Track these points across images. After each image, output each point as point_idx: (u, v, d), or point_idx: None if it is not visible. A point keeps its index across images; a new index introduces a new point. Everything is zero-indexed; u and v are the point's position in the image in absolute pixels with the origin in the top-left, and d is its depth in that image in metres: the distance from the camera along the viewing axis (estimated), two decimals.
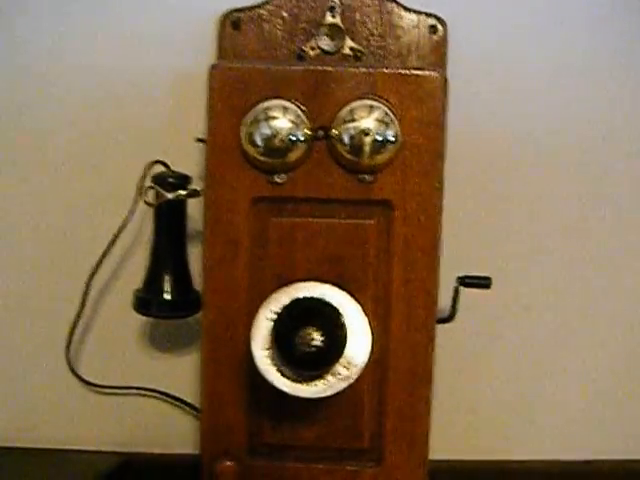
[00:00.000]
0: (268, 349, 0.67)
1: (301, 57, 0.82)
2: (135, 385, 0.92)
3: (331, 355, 0.65)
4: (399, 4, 0.83)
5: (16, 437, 0.93)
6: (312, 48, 0.82)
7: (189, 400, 0.91)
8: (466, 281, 0.81)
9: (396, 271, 0.74)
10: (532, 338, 0.93)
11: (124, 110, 0.88)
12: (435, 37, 0.84)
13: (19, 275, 0.93)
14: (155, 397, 0.93)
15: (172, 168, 0.82)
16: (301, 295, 0.66)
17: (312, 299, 0.66)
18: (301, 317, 0.65)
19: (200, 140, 0.77)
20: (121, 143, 0.89)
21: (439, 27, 0.84)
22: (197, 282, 0.81)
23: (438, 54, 0.84)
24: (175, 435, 0.95)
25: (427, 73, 0.71)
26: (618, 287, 0.93)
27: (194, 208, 0.81)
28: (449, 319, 0.81)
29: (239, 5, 0.84)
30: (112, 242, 0.83)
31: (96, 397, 0.94)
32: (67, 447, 0.93)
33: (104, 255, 0.84)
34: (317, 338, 0.64)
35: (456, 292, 0.81)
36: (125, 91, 0.89)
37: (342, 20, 0.83)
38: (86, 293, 0.86)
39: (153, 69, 0.88)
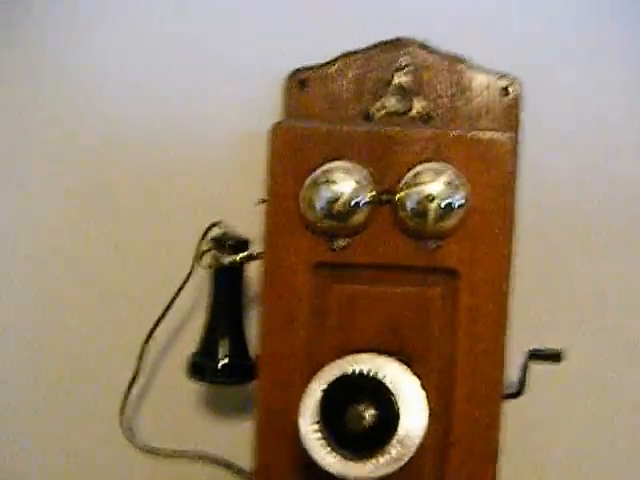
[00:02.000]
0: (317, 424, 0.63)
1: (368, 118, 0.79)
2: (189, 450, 0.88)
3: (382, 434, 0.61)
4: (470, 65, 0.80)
5: None
6: (379, 109, 0.79)
7: (243, 467, 0.86)
8: (536, 355, 0.76)
9: (461, 343, 0.70)
10: (604, 415, 0.87)
11: (187, 171, 0.87)
12: (507, 99, 0.80)
13: (74, 337, 0.92)
14: (209, 463, 0.89)
15: (232, 230, 0.79)
16: (353, 369, 0.61)
17: (362, 374, 0.61)
18: (352, 392, 0.61)
19: (263, 201, 0.74)
20: (182, 204, 0.88)
21: (511, 88, 0.80)
22: (254, 348, 0.77)
23: (510, 116, 0.80)
24: None
25: (495, 136, 0.68)
26: None
27: (255, 270, 0.77)
28: (517, 394, 0.76)
29: (306, 64, 0.80)
30: (169, 305, 0.81)
31: (150, 461, 0.91)
32: None
33: (160, 318, 0.82)
34: (367, 415, 0.60)
35: (525, 366, 0.76)
36: (188, 152, 0.87)
37: (411, 81, 0.80)
38: (141, 357, 0.84)
39: (216, 129, 0.86)
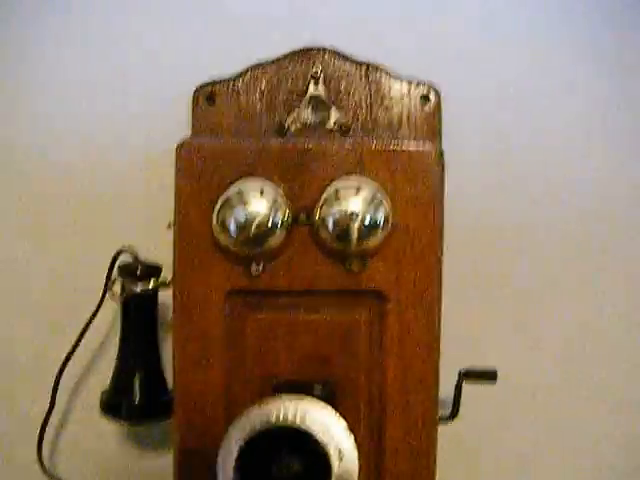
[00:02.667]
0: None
1: (282, 131, 0.74)
2: None
3: None
4: (387, 73, 0.75)
5: None
6: (294, 121, 0.75)
7: None
8: (470, 375, 0.72)
9: (391, 370, 0.66)
10: (539, 433, 0.83)
11: (91, 193, 0.81)
12: (427, 107, 0.76)
13: None
14: None
15: (143, 257, 0.73)
16: (273, 419, 0.55)
17: (285, 425, 0.55)
18: (275, 447, 0.55)
19: (173, 225, 0.68)
20: (87, 230, 0.82)
21: (431, 96, 0.76)
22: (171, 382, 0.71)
23: (431, 125, 0.76)
24: None
25: (420, 148, 0.64)
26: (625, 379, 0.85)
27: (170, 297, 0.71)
28: (451, 417, 0.74)
29: (214, 77, 0.75)
30: (80, 337, 0.76)
31: None
32: None
33: (71, 352, 0.77)
34: (295, 470, 0.54)
35: (459, 388, 0.72)
36: (92, 172, 0.81)
37: (326, 91, 0.75)
38: (55, 390, 0.78)
39: (121, 148, 0.80)
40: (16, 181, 0.84)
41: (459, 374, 0.73)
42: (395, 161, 0.65)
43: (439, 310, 0.66)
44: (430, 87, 0.76)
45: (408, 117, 0.76)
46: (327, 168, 0.64)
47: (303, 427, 0.53)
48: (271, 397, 0.56)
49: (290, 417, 0.53)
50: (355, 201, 0.63)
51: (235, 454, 0.53)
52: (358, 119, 0.76)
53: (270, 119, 0.76)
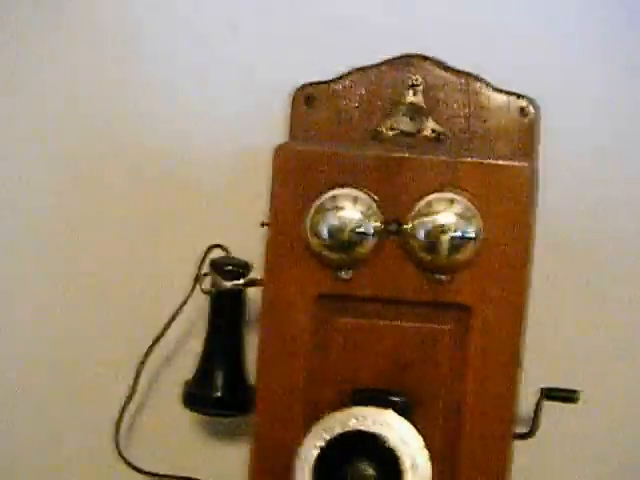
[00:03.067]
0: None
1: (377, 137, 0.74)
2: (184, 475, 0.83)
3: None
4: (488, 84, 0.75)
5: None
6: (390, 128, 0.75)
7: None
8: (551, 394, 0.71)
9: (470, 384, 0.66)
10: (621, 459, 0.82)
11: (187, 190, 0.82)
12: (525, 120, 0.75)
13: (69, 353, 0.87)
14: None
15: (233, 254, 0.74)
16: (352, 426, 0.56)
17: (364, 433, 0.56)
18: (352, 453, 0.55)
19: (265, 224, 0.69)
20: (182, 225, 0.83)
21: (530, 109, 0.75)
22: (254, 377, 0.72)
23: (528, 139, 0.75)
24: None
25: (514, 164, 0.64)
26: None
27: (258, 294, 0.72)
28: (529, 434, 0.71)
29: (313, 79, 0.75)
30: (165, 328, 0.77)
31: None
32: None
33: (157, 340, 0.78)
34: (369, 475, 0.55)
35: (538, 406, 0.71)
36: (188, 170, 0.82)
37: (424, 99, 0.75)
38: (137, 377, 0.79)
39: (219, 146, 0.81)
40: (119, 172, 0.85)
41: (540, 391, 0.72)
42: (489, 175, 0.65)
43: (524, 327, 0.66)
44: (530, 100, 0.76)
45: (505, 130, 0.75)
46: (421, 179, 0.65)
47: (382, 434, 0.53)
48: (352, 406, 0.56)
49: (370, 424, 0.54)
50: (448, 214, 0.63)
51: (314, 455, 0.55)
52: (454, 129, 0.76)
53: (366, 124, 0.76)
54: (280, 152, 0.65)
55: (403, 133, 0.76)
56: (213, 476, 0.84)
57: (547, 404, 0.72)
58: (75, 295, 0.87)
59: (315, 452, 0.56)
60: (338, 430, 0.56)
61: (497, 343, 0.65)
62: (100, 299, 0.86)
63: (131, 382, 0.80)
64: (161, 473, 0.83)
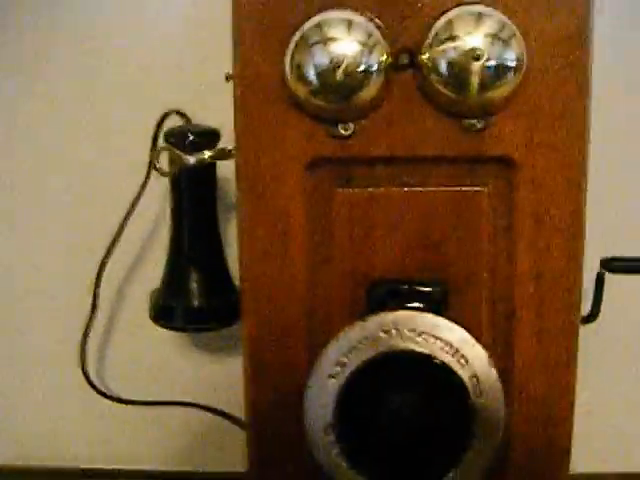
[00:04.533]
0: (333, 433, 0.41)
1: None
2: (169, 400, 0.72)
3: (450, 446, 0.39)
4: None
5: (39, 457, 0.76)
6: None
7: (233, 413, 0.69)
8: (614, 265, 0.55)
9: (522, 261, 0.51)
10: None
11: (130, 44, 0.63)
12: None
13: (20, 261, 0.73)
14: (193, 411, 0.72)
15: (196, 120, 0.59)
16: (390, 347, 0.39)
17: (412, 356, 0.39)
18: (394, 384, 0.39)
19: (231, 77, 0.52)
20: (127, 89, 0.66)
21: None
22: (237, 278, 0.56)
23: None
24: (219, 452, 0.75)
25: None
26: None
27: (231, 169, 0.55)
28: (591, 318, 0.58)
29: None
30: (122, 226, 0.62)
31: (125, 413, 0.74)
32: (96, 466, 0.76)
33: (112, 244, 0.62)
34: (422, 419, 0.38)
35: (600, 281, 0.57)
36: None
37: None
38: (96, 291, 0.66)
39: None
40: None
41: (601, 263, 0.58)
42: None
43: (585, 182, 0.49)
44: None
45: None
46: None
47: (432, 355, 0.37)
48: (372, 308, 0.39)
49: (412, 342, 0.37)
50: (477, 35, 0.46)
51: (334, 388, 0.38)
52: None
53: None
54: None
55: None
56: (198, 399, 0.71)
57: (608, 277, 0.58)
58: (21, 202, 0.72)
59: (335, 384, 0.38)
60: (369, 353, 0.38)
61: (552, 204, 0.50)
62: (44, 197, 0.71)
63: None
64: (137, 400, 0.71)
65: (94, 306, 0.67)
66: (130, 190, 0.62)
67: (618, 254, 0.58)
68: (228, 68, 0.53)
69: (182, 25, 0.66)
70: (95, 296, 0.66)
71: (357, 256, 0.51)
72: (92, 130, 0.68)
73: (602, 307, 0.58)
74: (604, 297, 0.58)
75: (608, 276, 0.58)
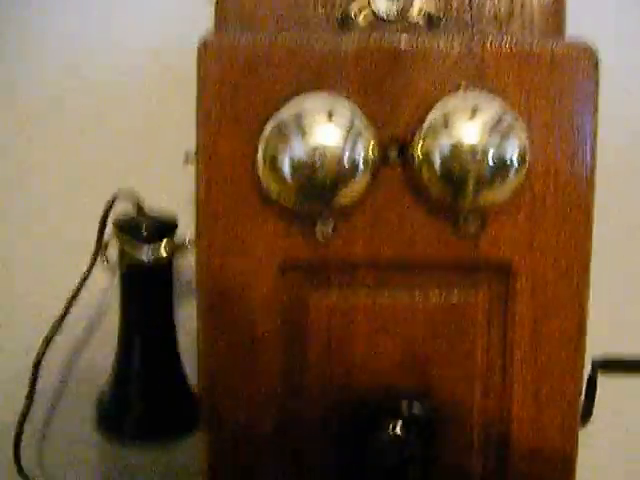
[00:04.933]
0: None
1: (345, 23, 0.51)
2: None
3: None
4: None
5: None
6: (361, 10, 0.51)
7: None
8: (608, 364, 0.50)
9: (519, 377, 0.46)
10: None
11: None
12: None
13: None
14: None
15: (150, 205, 0.51)
16: None
17: None
18: None
19: (191, 161, 0.46)
20: (80, 169, 0.57)
21: None
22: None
23: (554, 19, 0.52)
24: None
25: (573, 49, 0.40)
26: None
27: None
28: (583, 420, 0.53)
29: None
30: (62, 317, 0.53)
31: None
32: None
33: (50, 336, 0.57)
34: None
35: (592, 382, 0.50)
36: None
37: None
38: (34, 385, 0.59)
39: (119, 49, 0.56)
40: None
41: (592, 364, 0.52)
42: (532, 68, 0.42)
43: (588, 288, 0.44)
44: None
45: (522, 6, 0.52)
46: (430, 79, 0.42)
47: None
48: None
49: None
50: (474, 128, 0.41)
51: None
52: (451, 9, 0.52)
53: (327, 5, 0.52)
54: (207, 49, 0.41)
55: (380, 18, 0.52)
56: None
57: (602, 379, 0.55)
58: None
59: None
60: None
61: (553, 315, 0.44)
62: None
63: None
64: None
65: (30, 398, 0.59)
66: (72, 279, 0.54)
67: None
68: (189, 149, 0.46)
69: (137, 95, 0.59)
70: (34, 383, 0.59)
71: (334, 370, 0.45)
72: (34, 209, 0.61)
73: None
74: None
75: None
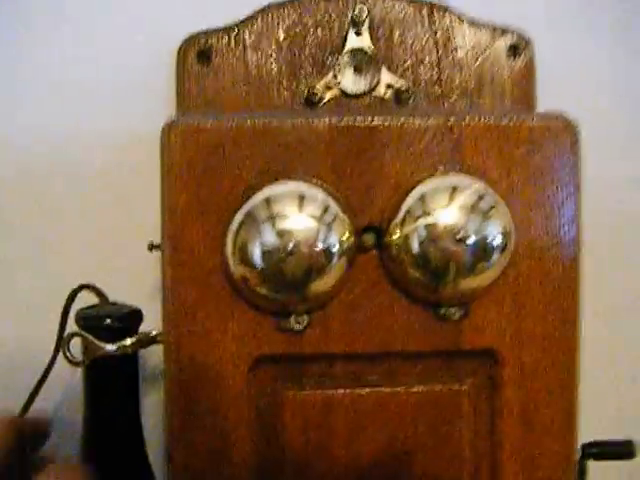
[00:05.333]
0: None
1: (312, 102, 0.49)
2: None
3: None
4: (460, 16, 0.51)
5: None
6: (328, 87, 0.50)
7: None
8: (597, 451, 0.47)
9: (508, 470, 0.42)
10: None
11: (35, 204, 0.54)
12: (517, 63, 0.51)
13: None
14: None
15: (113, 296, 0.48)
16: None
17: None
18: None
19: (155, 247, 0.43)
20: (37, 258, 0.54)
21: (522, 48, 0.51)
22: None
23: (523, 89, 0.51)
24: None
25: (552, 120, 0.39)
26: None
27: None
28: None
29: (210, 26, 0.49)
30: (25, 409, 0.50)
31: None
32: None
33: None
34: None
35: (582, 469, 0.48)
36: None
37: (373, 42, 0.50)
38: None
39: (78, 136, 0.54)
40: None
41: (582, 449, 0.49)
42: (511, 144, 0.41)
43: (578, 374, 0.42)
44: (520, 36, 0.52)
45: (492, 78, 0.51)
46: (406, 159, 0.40)
47: None
48: None
49: None
50: (453, 211, 0.38)
51: None
52: (419, 83, 0.51)
53: (292, 84, 0.51)
54: (172, 132, 0.39)
55: (346, 94, 0.50)
56: None
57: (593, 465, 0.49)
58: None
59: None
60: None
61: (545, 406, 0.42)
62: None
63: None
64: None
65: None
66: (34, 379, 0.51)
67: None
68: (151, 236, 0.44)
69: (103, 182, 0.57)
70: None
71: (313, 468, 0.42)
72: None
73: None
74: None
75: None
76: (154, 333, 0.46)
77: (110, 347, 0.46)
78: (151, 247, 0.48)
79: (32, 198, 0.56)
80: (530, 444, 0.42)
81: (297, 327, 0.40)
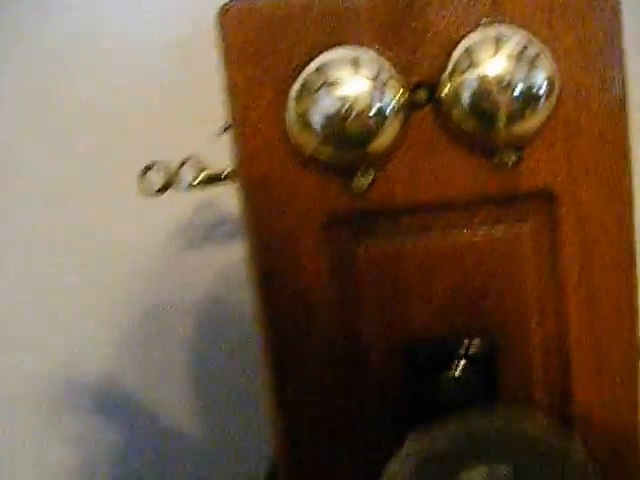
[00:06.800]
0: None
1: None
2: None
3: None
4: None
5: None
6: None
7: None
8: None
9: (574, 303, 0.45)
10: None
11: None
12: None
13: None
14: None
15: None
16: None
17: None
18: None
19: (226, 129, 0.46)
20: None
21: None
22: None
23: None
24: None
25: None
26: None
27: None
28: None
29: None
30: None
31: None
32: None
33: None
34: None
35: None
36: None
37: None
38: None
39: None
40: None
41: None
42: None
43: (632, 209, 0.44)
44: None
45: None
46: (450, 17, 0.42)
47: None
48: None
49: None
50: (499, 60, 0.40)
51: None
52: None
53: None
54: (228, 15, 0.41)
55: None
56: None
57: None
58: None
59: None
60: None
61: (603, 236, 0.44)
62: None
63: None
64: None
65: None
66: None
67: None
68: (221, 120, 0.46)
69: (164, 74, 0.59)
70: None
71: (390, 319, 0.45)
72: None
73: None
74: None
75: None
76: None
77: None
78: (224, 129, 0.50)
79: None
80: (592, 276, 0.44)
81: (362, 184, 0.43)
